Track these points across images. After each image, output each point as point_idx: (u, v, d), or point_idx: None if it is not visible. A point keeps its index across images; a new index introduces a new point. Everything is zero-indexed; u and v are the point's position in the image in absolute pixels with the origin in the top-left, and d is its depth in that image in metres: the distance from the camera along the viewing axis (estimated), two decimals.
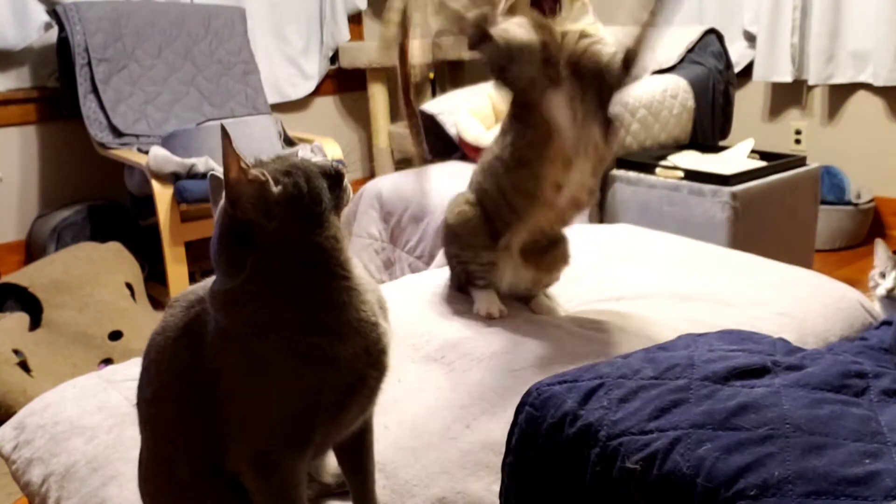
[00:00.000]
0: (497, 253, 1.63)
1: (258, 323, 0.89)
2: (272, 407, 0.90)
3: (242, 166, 0.87)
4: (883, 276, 1.91)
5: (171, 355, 0.96)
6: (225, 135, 0.86)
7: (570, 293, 1.70)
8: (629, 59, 1.41)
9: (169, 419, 0.96)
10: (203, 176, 2.88)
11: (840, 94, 3.54)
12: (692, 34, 3.25)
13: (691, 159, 2.90)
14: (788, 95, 3.70)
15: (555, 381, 1.02)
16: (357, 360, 0.91)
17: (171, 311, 0.99)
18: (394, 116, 4.09)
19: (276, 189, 0.88)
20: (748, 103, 3.77)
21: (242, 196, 0.87)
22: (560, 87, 1.39)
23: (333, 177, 0.93)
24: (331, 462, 1.10)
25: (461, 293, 1.70)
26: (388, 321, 0.98)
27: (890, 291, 1.87)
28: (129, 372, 1.46)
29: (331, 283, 0.91)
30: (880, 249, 1.95)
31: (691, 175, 2.64)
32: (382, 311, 0.97)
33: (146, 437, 1.01)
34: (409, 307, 1.67)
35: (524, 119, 1.47)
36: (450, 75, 4.22)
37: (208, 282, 0.95)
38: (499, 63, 1.42)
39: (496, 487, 1.08)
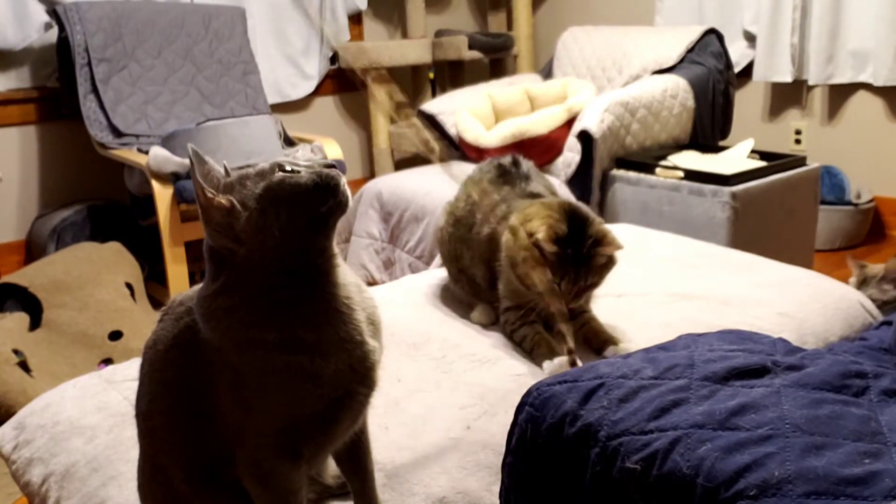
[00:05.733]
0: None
1: (234, 339, 0.87)
2: (258, 419, 0.89)
3: (208, 194, 0.85)
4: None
5: (161, 367, 0.96)
6: (197, 159, 0.84)
7: None
8: None
9: (162, 431, 0.96)
10: None
11: (840, 94, 3.54)
12: (692, 34, 3.25)
13: (691, 159, 2.90)
14: (788, 95, 3.70)
15: (555, 381, 1.02)
16: (341, 377, 0.90)
17: (162, 323, 0.99)
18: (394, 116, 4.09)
19: (244, 214, 0.85)
20: (748, 103, 3.77)
21: (211, 222, 0.86)
22: None
23: (323, 188, 0.86)
24: (332, 463, 1.10)
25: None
26: (380, 338, 0.96)
27: None
28: (129, 372, 1.46)
29: (310, 303, 0.88)
30: (851, 264, 1.98)
31: (691, 175, 2.64)
32: (373, 328, 0.95)
33: (143, 448, 1.01)
34: (410, 307, 1.67)
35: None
36: (450, 75, 4.22)
37: (197, 291, 0.94)
38: None
39: (496, 487, 1.08)
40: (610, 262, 1.45)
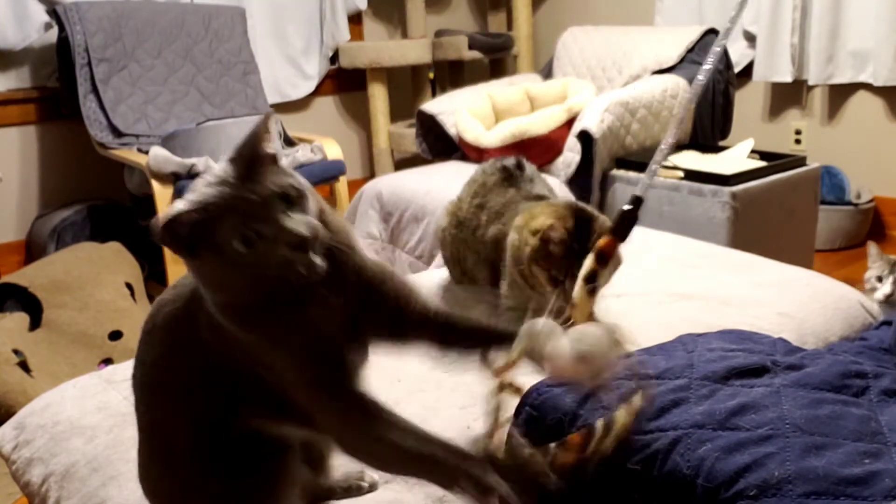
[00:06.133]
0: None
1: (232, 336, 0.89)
2: (301, 370, 0.89)
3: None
4: (880, 279, 1.92)
5: (182, 321, 0.95)
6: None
7: None
8: None
9: (174, 382, 0.95)
10: None
11: (840, 94, 3.54)
12: (692, 34, 3.25)
13: (691, 159, 2.90)
14: (788, 95, 3.70)
15: (554, 381, 1.02)
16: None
17: (186, 279, 0.98)
18: (394, 116, 4.09)
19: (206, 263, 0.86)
20: (748, 103, 3.77)
21: None
22: None
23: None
24: (336, 465, 1.10)
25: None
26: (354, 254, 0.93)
27: (888, 297, 1.88)
28: (129, 372, 1.45)
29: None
30: (874, 252, 1.97)
31: (691, 175, 2.64)
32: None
33: (143, 404, 1.00)
34: None
35: None
36: (450, 75, 4.22)
37: None
38: None
39: None
40: (615, 268, 1.45)
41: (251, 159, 0.85)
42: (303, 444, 1.00)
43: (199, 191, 0.84)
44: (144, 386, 1.00)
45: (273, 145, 0.89)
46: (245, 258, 0.82)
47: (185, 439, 0.95)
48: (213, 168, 0.87)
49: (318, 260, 0.84)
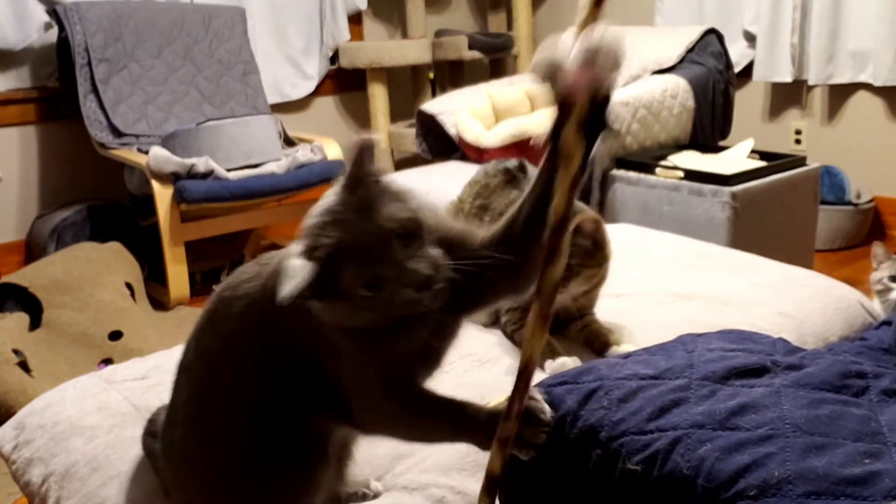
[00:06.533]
0: None
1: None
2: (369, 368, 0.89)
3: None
4: (895, 279, 1.90)
5: (261, 299, 0.92)
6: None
7: None
8: None
9: (245, 357, 0.94)
10: (203, 176, 2.88)
11: (840, 94, 3.54)
12: (692, 34, 3.25)
13: (691, 159, 2.90)
14: (788, 95, 3.70)
15: (554, 381, 1.02)
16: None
17: (249, 268, 0.97)
18: (394, 116, 4.09)
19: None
20: (748, 103, 3.77)
21: None
22: None
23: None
24: (348, 471, 1.10)
25: None
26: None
27: None
28: (129, 372, 1.46)
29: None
30: (880, 252, 1.95)
31: (691, 175, 2.64)
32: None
33: (202, 369, 0.98)
34: None
35: None
36: (450, 75, 4.22)
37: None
38: None
39: None
40: (597, 252, 1.43)
41: (361, 188, 0.82)
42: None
43: (313, 234, 0.81)
44: (208, 351, 0.98)
45: (380, 166, 0.84)
46: (370, 301, 0.80)
47: (240, 414, 0.95)
48: (325, 200, 0.83)
49: (441, 290, 0.82)
